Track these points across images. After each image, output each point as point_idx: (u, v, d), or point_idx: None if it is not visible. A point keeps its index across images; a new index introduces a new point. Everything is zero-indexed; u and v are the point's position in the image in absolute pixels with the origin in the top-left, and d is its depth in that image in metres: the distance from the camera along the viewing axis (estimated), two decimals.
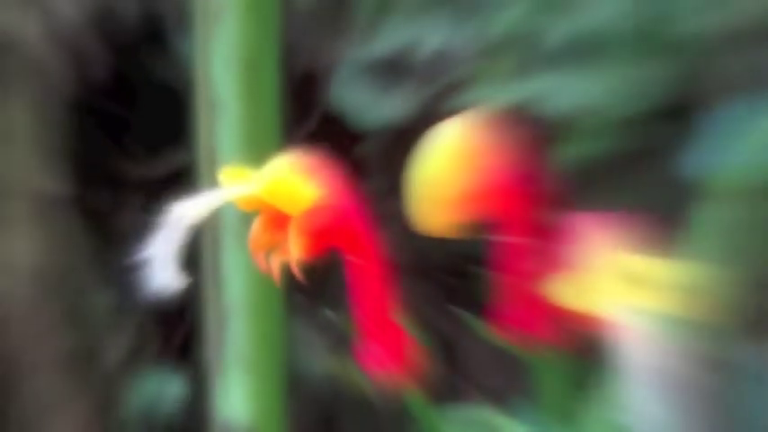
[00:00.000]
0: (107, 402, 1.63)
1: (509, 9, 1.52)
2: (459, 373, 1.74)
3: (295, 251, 0.48)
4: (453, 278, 1.78)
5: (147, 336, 1.77)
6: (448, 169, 0.47)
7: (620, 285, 0.44)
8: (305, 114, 1.63)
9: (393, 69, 1.59)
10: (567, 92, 1.32)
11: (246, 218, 0.50)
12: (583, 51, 1.50)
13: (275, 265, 0.49)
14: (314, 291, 1.65)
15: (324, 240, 0.49)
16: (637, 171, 1.88)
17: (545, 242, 0.49)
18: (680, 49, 1.65)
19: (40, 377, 1.56)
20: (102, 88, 1.71)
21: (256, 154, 0.98)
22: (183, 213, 0.46)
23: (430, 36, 1.46)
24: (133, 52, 1.75)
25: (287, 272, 0.48)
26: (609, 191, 1.85)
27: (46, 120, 1.55)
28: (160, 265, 0.46)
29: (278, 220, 0.49)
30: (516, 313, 0.50)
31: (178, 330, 1.75)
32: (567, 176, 1.46)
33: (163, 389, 1.68)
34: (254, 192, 0.48)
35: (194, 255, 0.89)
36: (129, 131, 1.78)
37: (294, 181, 0.48)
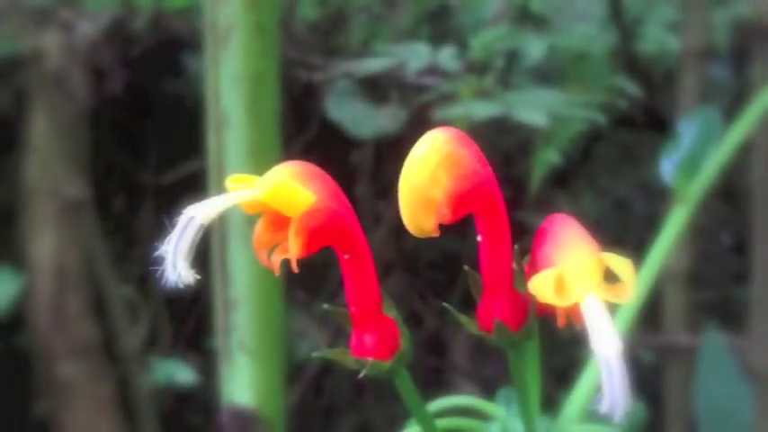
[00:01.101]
0: (125, 385, 1.63)
1: (490, 29, 1.52)
2: (448, 363, 1.74)
3: (294, 249, 0.47)
4: (441, 274, 1.78)
5: (161, 325, 1.77)
6: (431, 175, 0.47)
7: (590, 280, 0.44)
8: (303, 126, 1.63)
9: (383, 85, 1.59)
10: (544, 104, 1.32)
11: (250, 219, 0.50)
12: (558, 68, 1.50)
13: (276, 261, 0.49)
14: (312, 285, 1.65)
15: (319, 240, 0.49)
16: (610, 176, 1.88)
17: (522, 241, 0.49)
18: (646, 66, 1.65)
19: (65, 362, 1.56)
20: (121, 102, 1.71)
21: (259, 162, 0.98)
22: (194, 215, 0.46)
23: (416, 56, 1.46)
24: (149, 70, 1.74)
25: (287, 268, 0.48)
26: (582, 195, 1.85)
27: (68, 130, 1.55)
28: (173, 261, 0.46)
29: (278, 222, 0.49)
30: (497, 307, 0.50)
31: (189, 320, 1.75)
32: (544, 180, 1.45)
33: (175, 373, 1.68)
34: (257, 196, 0.48)
35: (204, 252, 0.88)
36: (145, 142, 1.78)
37: (293, 186, 0.48)
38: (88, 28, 1.60)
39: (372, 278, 0.50)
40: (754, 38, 1.29)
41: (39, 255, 1.54)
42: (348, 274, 0.50)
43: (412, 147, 0.48)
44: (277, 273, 0.49)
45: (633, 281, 0.44)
